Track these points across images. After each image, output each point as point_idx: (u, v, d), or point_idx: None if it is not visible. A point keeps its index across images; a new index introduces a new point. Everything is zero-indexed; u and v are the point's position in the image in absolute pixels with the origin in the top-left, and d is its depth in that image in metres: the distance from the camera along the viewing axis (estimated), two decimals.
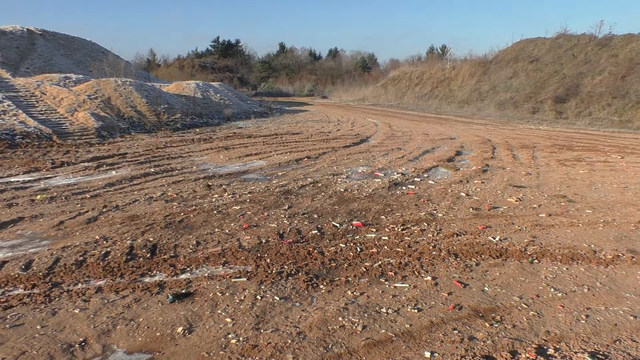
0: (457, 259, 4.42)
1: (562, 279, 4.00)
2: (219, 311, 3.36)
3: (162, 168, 8.99)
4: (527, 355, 2.82)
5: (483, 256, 4.49)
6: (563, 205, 6.49)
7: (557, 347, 2.92)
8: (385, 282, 3.88)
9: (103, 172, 8.53)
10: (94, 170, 8.67)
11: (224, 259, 4.36)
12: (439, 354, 2.83)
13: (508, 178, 8.34)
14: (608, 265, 4.31)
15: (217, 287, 3.75)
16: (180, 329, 3.10)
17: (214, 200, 6.59)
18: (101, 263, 4.21)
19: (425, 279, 3.96)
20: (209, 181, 7.85)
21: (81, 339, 2.97)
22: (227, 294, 3.62)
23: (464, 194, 7.05)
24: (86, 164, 9.33)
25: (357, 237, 5.05)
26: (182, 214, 5.84)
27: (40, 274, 3.95)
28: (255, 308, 3.41)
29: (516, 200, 6.68)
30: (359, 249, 4.65)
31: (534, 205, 6.43)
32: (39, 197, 6.52)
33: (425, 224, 5.54)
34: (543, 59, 29.00)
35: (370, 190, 7.29)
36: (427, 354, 2.82)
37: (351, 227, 5.40)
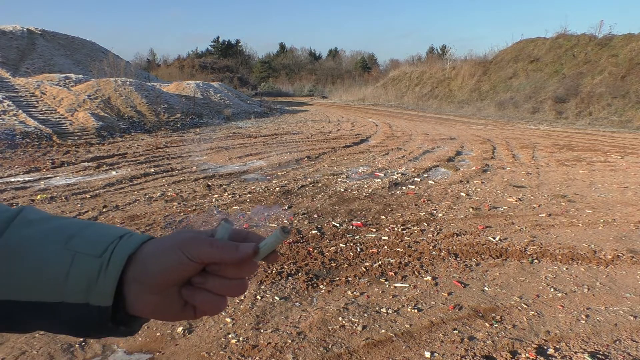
0: (457, 259, 4.42)
1: (562, 279, 4.00)
2: None
3: (162, 168, 8.99)
4: (527, 355, 2.82)
5: (483, 256, 4.49)
6: (563, 205, 6.49)
7: (557, 347, 2.93)
8: (385, 282, 3.88)
9: (103, 172, 8.53)
10: (94, 170, 8.67)
11: None
12: (439, 354, 2.83)
13: (508, 178, 8.34)
14: (608, 265, 4.31)
15: None
16: (180, 329, 3.10)
17: (214, 200, 6.59)
18: None
19: (425, 279, 3.96)
20: (209, 181, 7.85)
21: (81, 339, 2.97)
22: None
23: (464, 194, 7.05)
24: (86, 164, 9.33)
25: (357, 237, 5.05)
26: (182, 214, 5.85)
27: None
28: (255, 308, 3.41)
29: (516, 200, 6.68)
30: (359, 249, 4.65)
31: (534, 205, 6.43)
32: (39, 197, 6.52)
33: (425, 224, 5.54)
34: (543, 59, 29.00)
35: (370, 190, 7.29)
36: (427, 354, 2.82)
37: (351, 227, 5.40)
